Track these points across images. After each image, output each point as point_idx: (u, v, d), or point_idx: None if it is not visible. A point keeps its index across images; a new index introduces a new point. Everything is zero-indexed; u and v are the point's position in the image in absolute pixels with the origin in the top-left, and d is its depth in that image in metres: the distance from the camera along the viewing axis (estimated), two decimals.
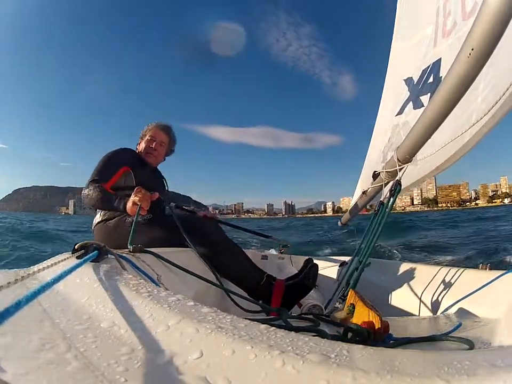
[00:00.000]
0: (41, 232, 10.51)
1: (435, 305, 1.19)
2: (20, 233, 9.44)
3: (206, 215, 1.86)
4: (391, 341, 0.66)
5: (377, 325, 0.64)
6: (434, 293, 1.23)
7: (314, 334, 0.58)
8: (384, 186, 1.44)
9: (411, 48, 2.05)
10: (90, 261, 0.66)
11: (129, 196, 1.35)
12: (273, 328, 0.41)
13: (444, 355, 0.39)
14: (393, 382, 0.28)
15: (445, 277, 1.25)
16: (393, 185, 1.23)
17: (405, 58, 2.12)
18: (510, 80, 0.86)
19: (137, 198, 1.28)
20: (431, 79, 1.72)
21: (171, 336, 0.39)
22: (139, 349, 0.37)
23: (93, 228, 1.67)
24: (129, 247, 0.96)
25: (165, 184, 1.98)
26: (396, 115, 2.05)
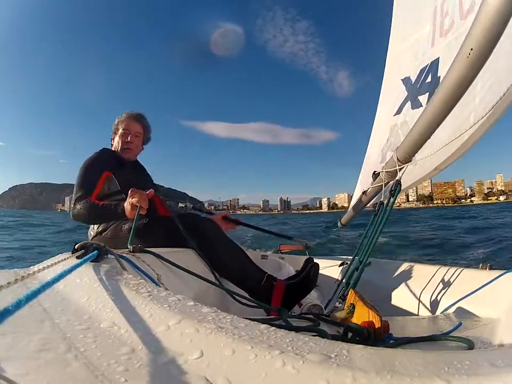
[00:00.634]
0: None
1: (435, 305, 1.19)
2: None
3: (226, 216, 1.84)
4: (391, 341, 0.66)
5: (377, 325, 0.64)
6: (434, 293, 1.23)
7: (315, 333, 0.58)
8: (384, 186, 1.43)
9: (408, 48, 2.04)
10: (90, 261, 0.66)
11: (121, 200, 1.33)
12: (273, 328, 0.41)
13: (444, 355, 0.39)
14: (393, 382, 0.28)
15: (444, 276, 1.25)
16: (393, 185, 1.23)
17: (403, 57, 2.10)
18: (509, 80, 0.86)
19: (135, 199, 1.26)
20: (429, 79, 1.71)
21: (171, 336, 0.39)
22: (139, 349, 0.37)
23: None
24: (129, 247, 0.96)
25: (151, 178, 1.93)
26: (394, 115, 2.03)
